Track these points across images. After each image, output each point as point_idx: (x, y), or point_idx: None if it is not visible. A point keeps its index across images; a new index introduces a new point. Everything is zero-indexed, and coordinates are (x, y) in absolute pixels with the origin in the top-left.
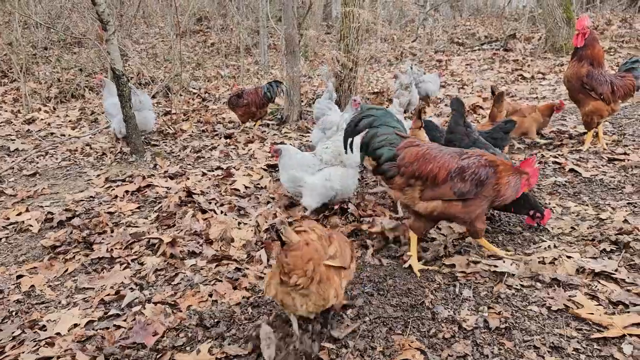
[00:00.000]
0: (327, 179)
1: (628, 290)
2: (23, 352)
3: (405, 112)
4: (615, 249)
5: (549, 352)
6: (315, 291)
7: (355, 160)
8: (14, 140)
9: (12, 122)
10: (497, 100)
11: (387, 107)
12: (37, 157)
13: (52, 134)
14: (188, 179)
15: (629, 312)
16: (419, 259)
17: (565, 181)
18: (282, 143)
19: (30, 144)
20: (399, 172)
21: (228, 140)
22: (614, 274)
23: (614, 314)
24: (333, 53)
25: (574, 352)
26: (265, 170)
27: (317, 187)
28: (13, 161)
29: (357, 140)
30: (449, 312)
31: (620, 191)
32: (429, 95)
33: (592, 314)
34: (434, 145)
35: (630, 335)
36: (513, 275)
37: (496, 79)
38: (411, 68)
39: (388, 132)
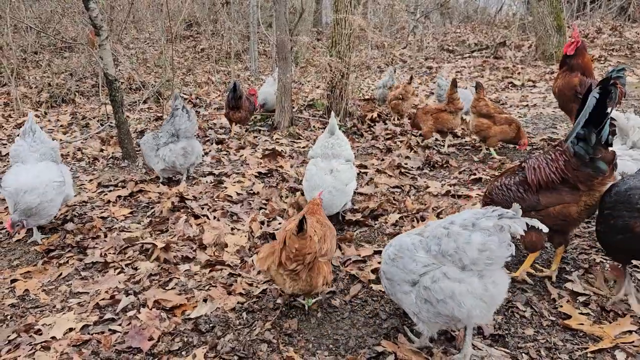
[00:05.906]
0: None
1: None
2: (19, 356)
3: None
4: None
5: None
6: (304, 278)
7: None
8: (5, 144)
9: (3, 127)
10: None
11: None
12: None
13: None
14: (180, 184)
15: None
16: None
17: None
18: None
19: None
20: None
21: (220, 146)
22: None
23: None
24: (327, 59)
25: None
26: (257, 176)
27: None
28: (4, 166)
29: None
30: None
31: None
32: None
33: (583, 324)
34: None
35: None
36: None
37: (487, 86)
38: (394, 71)
39: None
